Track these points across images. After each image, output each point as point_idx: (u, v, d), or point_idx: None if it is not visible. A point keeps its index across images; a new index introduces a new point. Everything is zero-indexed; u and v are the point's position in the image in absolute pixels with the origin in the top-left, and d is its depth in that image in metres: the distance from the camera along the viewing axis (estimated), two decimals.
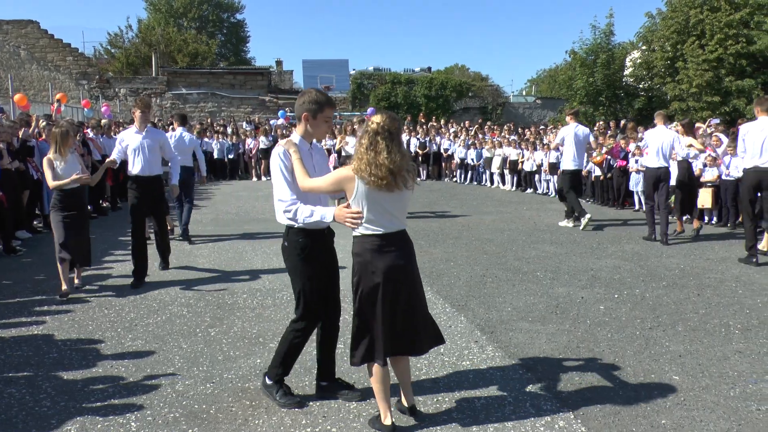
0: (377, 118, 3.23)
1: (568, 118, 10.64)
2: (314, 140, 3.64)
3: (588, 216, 10.01)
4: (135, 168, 6.63)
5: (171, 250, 7.35)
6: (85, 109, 19.30)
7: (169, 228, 8.52)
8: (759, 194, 7.59)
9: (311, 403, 3.72)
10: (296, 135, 3.57)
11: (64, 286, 5.98)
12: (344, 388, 3.83)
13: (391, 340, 3.29)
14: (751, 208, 7.63)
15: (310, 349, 4.60)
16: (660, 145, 8.96)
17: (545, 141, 16.65)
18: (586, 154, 11.16)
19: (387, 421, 3.33)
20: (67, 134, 6.17)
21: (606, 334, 4.96)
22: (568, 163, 10.34)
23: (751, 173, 7.48)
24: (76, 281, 6.36)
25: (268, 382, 3.75)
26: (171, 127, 10.55)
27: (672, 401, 3.75)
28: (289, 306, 5.73)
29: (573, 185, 10.38)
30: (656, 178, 9.00)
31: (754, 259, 7.45)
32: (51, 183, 6.11)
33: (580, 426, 3.43)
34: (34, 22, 26.76)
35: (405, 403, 3.51)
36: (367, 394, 3.78)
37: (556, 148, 11.94)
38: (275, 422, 3.49)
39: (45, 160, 6.15)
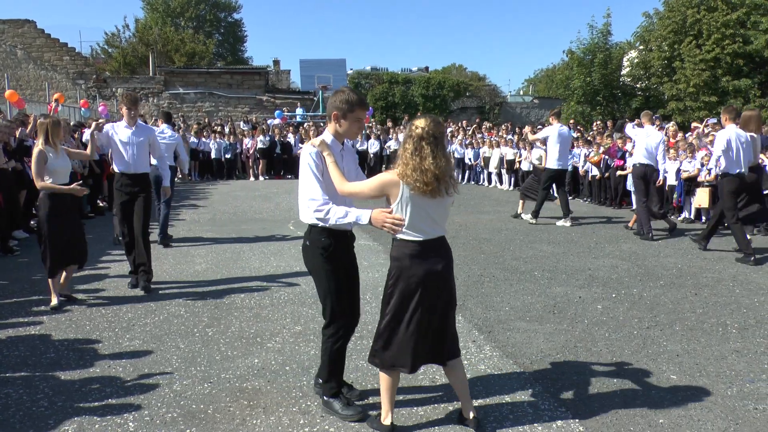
0: (422, 123, 3.14)
1: (551, 119, 10.82)
2: (345, 141, 3.54)
3: (534, 221, 10.52)
4: (121, 164, 6.39)
5: (151, 258, 6.58)
6: (83, 109, 19.26)
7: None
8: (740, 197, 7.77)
9: (309, 403, 3.71)
10: (328, 134, 3.46)
11: (54, 301, 5.62)
12: (343, 386, 3.79)
13: (422, 348, 3.23)
14: (736, 212, 7.79)
15: (307, 348, 4.60)
16: (647, 144, 9.16)
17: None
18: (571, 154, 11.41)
19: (387, 420, 3.32)
20: (58, 124, 5.74)
21: (603, 334, 4.96)
22: (552, 162, 10.50)
23: (735, 179, 7.70)
24: (62, 282, 5.78)
25: (325, 399, 3.60)
26: (155, 124, 10.53)
27: (670, 400, 3.75)
28: (287, 305, 5.73)
29: (551, 184, 10.69)
30: (643, 175, 9.22)
31: (752, 258, 7.51)
32: (41, 183, 5.50)
33: (578, 425, 3.43)
34: (30, 22, 26.68)
35: (468, 415, 3.38)
36: (366, 394, 3.78)
37: (533, 144, 12.10)
38: (273, 422, 3.49)
39: (36, 153, 5.51)
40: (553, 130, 10.44)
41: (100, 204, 11.96)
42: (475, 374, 4.13)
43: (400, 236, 3.19)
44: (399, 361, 3.24)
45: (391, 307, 3.23)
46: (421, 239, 3.17)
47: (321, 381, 3.63)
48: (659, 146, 9.22)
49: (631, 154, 12.44)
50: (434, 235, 3.21)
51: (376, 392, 3.60)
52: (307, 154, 3.36)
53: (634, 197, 10.05)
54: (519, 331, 5.01)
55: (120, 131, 6.41)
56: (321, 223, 3.34)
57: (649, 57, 25.44)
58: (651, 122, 9.38)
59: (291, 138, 20.47)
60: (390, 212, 3.14)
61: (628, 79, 27.11)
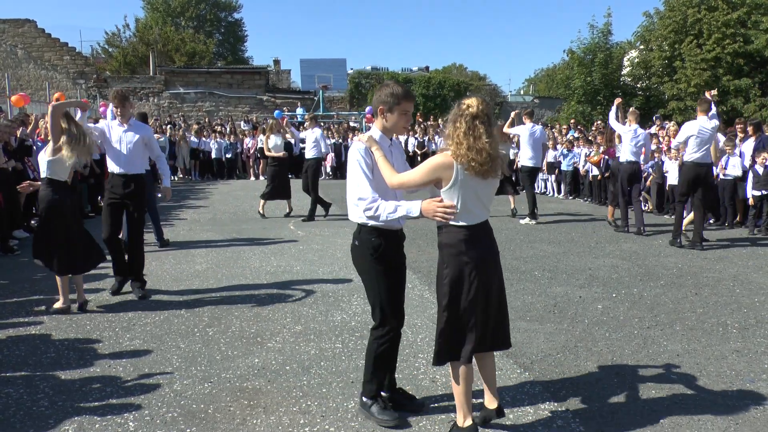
0: (473, 102, 3.07)
1: (524, 118, 11.08)
2: (393, 136, 3.48)
3: (534, 222, 10.55)
4: (113, 164, 5.99)
5: (144, 266, 6.33)
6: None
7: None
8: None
9: (309, 403, 3.72)
10: (376, 130, 3.39)
11: (61, 302, 5.45)
12: (405, 398, 3.66)
13: (483, 333, 3.18)
14: (686, 198, 8.66)
15: (307, 348, 4.60)
16: (635, 142, 9.44)
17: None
18: (546, 153, 11.82)
19: (468, 422, 3.18)
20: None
21: (604, 334, 4.96)
22: (526, 161, 10.79)
23: (691, 167, 8.32)
24: (75, 297, 5.60)
25: (363, 399, 3.53)
26: None
27: (670, 400, 3.75)
28: (287, 305, 5.73)
29: (533, 181, 10.96)
30: (631, 173, 9.52)
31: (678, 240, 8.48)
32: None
33: (578, 425, 3.43)
34: (31, 21, 26.69)
35: (490, 405, 3.35)
36: (428, 404, 3.65)
37: (518, 143, 12.31)
38: (273, 422, 3.49)
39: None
40: (525, 129, 10.78)
41: (101, 204, 11.95)
42: (476, 374, 4.13)
43: (450, 222, 3.09)
44: (458, 353, 3.15)
45: (449, 297, 3.13)
46: (471, 224, 3.11)
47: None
48: (645, 143, 9.58)
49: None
50: (482, 218, 3.17)
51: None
52: (356, 151, 3.27)
53: (613, 189, 10.33)
54: (519, 330, 5.01)
55: (114, 129, 6.05)
56: (371, 222, 3.27)
57: (650, 57, 25.46)
58: (636, 121, 9.56)
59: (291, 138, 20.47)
60: (440, 200, 3.04)
61: (629, 79, 27.13)
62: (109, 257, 6.11)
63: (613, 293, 6.15)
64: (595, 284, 6.49)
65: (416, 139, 19.98)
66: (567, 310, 5.58)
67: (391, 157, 3.33)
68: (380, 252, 3.31)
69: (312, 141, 11.05)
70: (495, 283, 3.20)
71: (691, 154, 8.28)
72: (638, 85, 27.12)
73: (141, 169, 6.17)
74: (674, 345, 4.71)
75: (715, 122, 8.28)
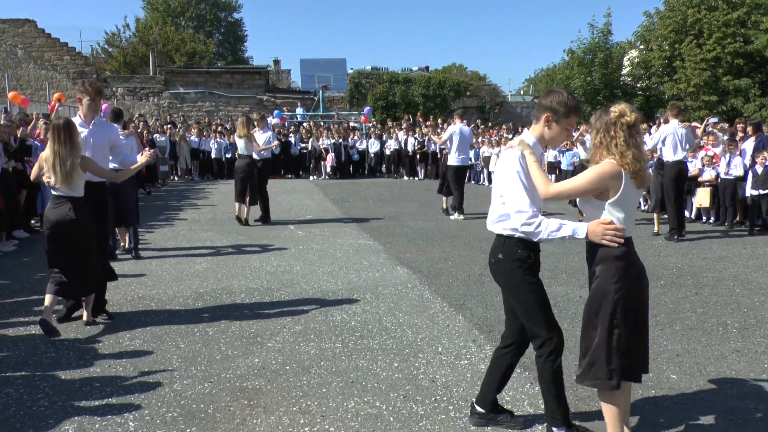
0: (625, 110, 2.94)
1: (455, 118, 11.54)
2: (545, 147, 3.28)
3: (462, 217, 10.99)
4: None
5: (107, 283, 5.44)
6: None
7: (122, 244, 7.90)
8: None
9: (309, 403, 3.72)
10: (530, 136, 3.16)
11: (84, 317, 5.06)
12: (503, 413, 3.45)
13: (646, 350, 3.05)
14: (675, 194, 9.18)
15: (307, 348, 4.60)
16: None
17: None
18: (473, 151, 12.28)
19: None
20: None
21: None
22: (454, 160, 11.08)
23: (674, 165, 9.11)
24: (84, 317, 5.17)
25: (555, 430, 3.19)
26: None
27: (670, 400, 3.75)
28: (287, 305, 5.73)
29: (462, 179, 11.27)
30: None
31: (677, 236, 8.94)
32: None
33: (578, 425, 3.43)
34: (31, 21, 26.68)
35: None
36: (531, 421, 3.50)
37: (443, 144, 12.51)
38: (273, 421, 3.49)
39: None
40: (455, 128, 11.17)
41: None
42: (476, 374, 4.13)
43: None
44: (632, 372, 2.97)
45: (624, 313, 2.92)
46: (630, 235, 2.99)
47: (546, 413, 3.23)
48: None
49: None
50: (633, 230, 3.04)
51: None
52: (515, 158, 3.05)
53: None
54: None
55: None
56: (517, 234, 3.07)
57: (650, 56, 25.47)
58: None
59: (291, 137, 20.48)
60: (609, 222, 2.89)
61: (629, 79, 27.14)
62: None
63: None
64: None
65: (416, 138, 19.98)
66: (567, 310, 5.58)
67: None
68: (530, 263, 3.12)
69: (264, 143, 10.71)
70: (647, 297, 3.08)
71: (669, 154, 9.03)
72: (638, 85, 27.12)
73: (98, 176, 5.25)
74: (674, 345, 4.71)
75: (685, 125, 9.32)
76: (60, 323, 5.12)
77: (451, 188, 11.24)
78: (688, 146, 9.27)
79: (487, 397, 3.41)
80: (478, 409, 3.43)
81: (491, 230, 3.23)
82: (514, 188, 3.02)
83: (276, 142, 10.41)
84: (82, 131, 5.18)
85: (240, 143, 10.42)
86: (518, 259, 3.11)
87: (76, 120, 5.23)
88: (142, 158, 5.35)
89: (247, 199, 10.35)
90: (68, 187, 4.86)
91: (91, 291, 5.10)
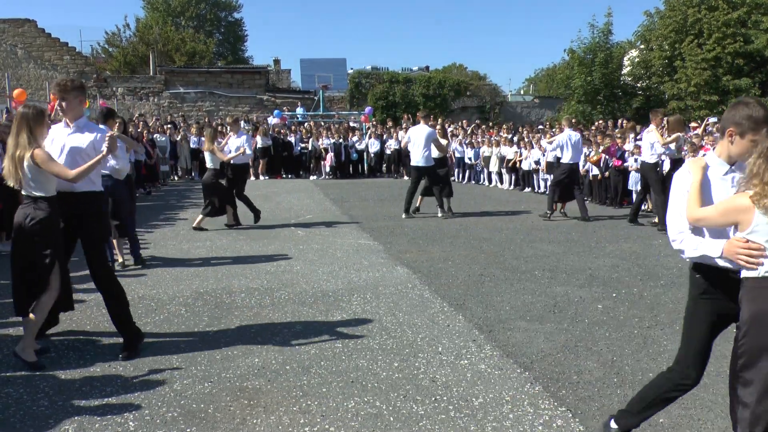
0: None
1: (420, 119, 11.67)
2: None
3: (405, 216, 11.14)
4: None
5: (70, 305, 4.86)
6: (83, 109, 19.25)
7: (119, 260, 7.07)
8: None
9: (309, 402, 3.72)
10: (713, 156, 2.93)
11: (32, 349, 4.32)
12: None
13: None
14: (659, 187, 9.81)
15: (307, 348, 4.60)
16: (574, 143, 10.97)
17: (543, 141, 16.72)
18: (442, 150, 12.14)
19: None
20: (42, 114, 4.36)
21: (604, 333, 4.96)
22: (420, 160, 11.20)
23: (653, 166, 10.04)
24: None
25: (612, 426, 3.19)
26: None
27: None
28: (287, 305, 5.73)
29: (418, 181, 11.40)
30: (571, 171, 11.03)
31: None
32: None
33: (578, 425, 3.43)
34: (31, 21, 26.68)
35: None
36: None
37: (406, 147, 12.54)
38: (273, 421, 3.49)
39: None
40: (422, 130, 11.37)
41: None
42: (476, 374, 4.13)
43: (757, 272, 2.62)
44: None
45: (759, 362, 2.64)
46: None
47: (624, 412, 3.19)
48: (580, 145, 11.23)
49: (632, 153, 12.51)
50: None
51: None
52: (677, 174, 2.94)
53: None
54: (519, 330, 5.02)
55: (57, 133, 4.61)
56: (695, 255, 2.87)
57: (650, 56, 25.48)
58: (569, 125, 11.32)
59: (291, 137, 20.48)
60: (744, 241, 2.63)
61: (629, 79, 27.15)
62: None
63: (613, 293, 6.15)
64: (595, 284, 6.49)
65: None
66: (567, 310, 5.58)
67: (721, 187, 2.87)
68: (702, 292, 2.89)
69: (236, 149, 10.32)
70: None
71: (649, 156, 10.04)
72: (638, 85, 27.12)
73: (91, 183, 4.59)
74: (674, 345, 4.69)
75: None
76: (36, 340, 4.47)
77: (432, 188, 11.43)
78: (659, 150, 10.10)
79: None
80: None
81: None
82: (675, 202, 2.93)
83: (245, 148, 10.11)
84: (63, 133, 4.57)
85: (207, 156, 10.09)
86: (692, 284, 2.99)
87: (61, 123, 4.68)
88: (104, 148, 4.39)
89: (227, 206, 10.04)
90: (16, 182, 4.36)
91: (24, 313, 4.31)
